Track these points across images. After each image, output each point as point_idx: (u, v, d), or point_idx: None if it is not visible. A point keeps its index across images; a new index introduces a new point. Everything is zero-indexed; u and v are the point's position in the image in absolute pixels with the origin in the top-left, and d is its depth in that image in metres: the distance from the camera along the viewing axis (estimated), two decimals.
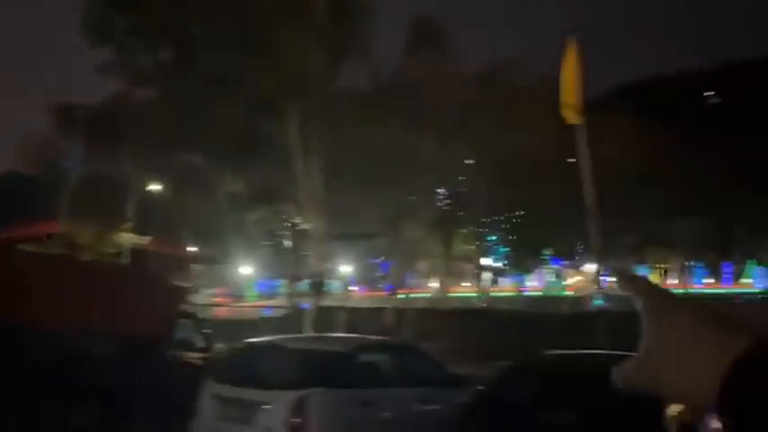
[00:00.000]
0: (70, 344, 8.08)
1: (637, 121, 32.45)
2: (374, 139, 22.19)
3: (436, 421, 6.38)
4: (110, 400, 8.11)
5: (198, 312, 21.22)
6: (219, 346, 12.59)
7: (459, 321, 25.58)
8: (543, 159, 22.77)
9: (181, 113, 22.66)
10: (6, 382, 7.10)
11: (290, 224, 28.65)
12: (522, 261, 48.49)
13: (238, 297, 42.23)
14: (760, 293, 42.66)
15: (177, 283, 16.51)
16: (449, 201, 31.17)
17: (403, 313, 25.32)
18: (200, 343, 11.61)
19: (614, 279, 0.73)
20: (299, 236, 27.60)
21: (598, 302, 44.05)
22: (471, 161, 26.53)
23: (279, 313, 30.13)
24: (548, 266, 56.52)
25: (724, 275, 56.34)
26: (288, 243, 33.61)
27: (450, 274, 51.28)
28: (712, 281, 60.09)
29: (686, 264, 54.00)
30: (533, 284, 60.52)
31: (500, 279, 53.34)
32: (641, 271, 58.56)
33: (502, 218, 36.13)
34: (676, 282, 57.22)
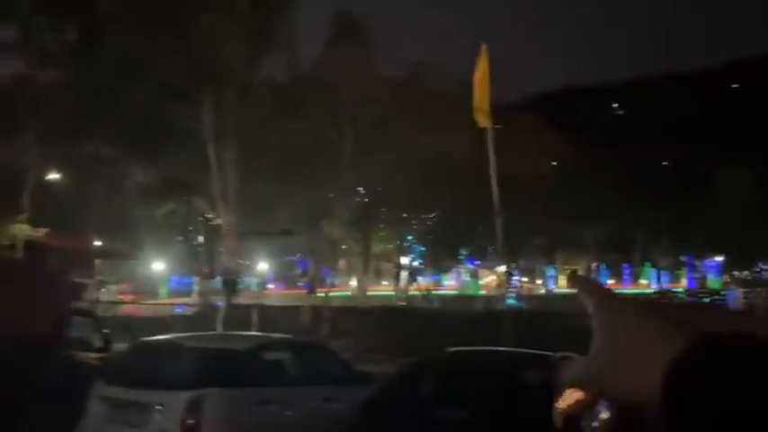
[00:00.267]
0: None
1: (549, 129, 33.96)
2: (292, 133, 21.84)
3: (340, 419, 6.32)
4: None
5: (99, 310, 20.10)
6: (120, 346, 11.94)
7: (375, 320, 25.68)
8: (459, 160, 23.26)
9: (87, 98, 21.36)
10: None
11: (202, 219, 27.69)
12: (438, 260, 49.49)
13: (150, 294, 40.38)
14: (654, 293, 45.82)
15: (75, 278, 15.55)
16: (368, 199, 31.25)
17: (319, 312, 25.15)
18: (99, 343, 10.96)
19: (567, 279, 0.74)
20: (212, 231, 26.72)
21: (510, 302, 45.78)
22: (390, 160, 26.69)
23: (191, 311, 29.11)
24: (464, 266, 58.06)
25: (624, 276, 60.06)
26: (202, 238, 32.53)
27: (370, 273, 51.59)
28: (613, 281, 64.08)
29: (592, 265, 57.04)
30: (450, 283, 62.02)
31: (419, 278, 54.24)
32: (550, 271, 61.40)
33: (419, 217, 36.66)
34: None
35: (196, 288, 37.10)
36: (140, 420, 6.10)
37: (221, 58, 20.15)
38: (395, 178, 25.98)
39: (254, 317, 21.40)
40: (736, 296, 36.25)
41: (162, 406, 5.91)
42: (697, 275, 60.18)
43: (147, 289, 39.74)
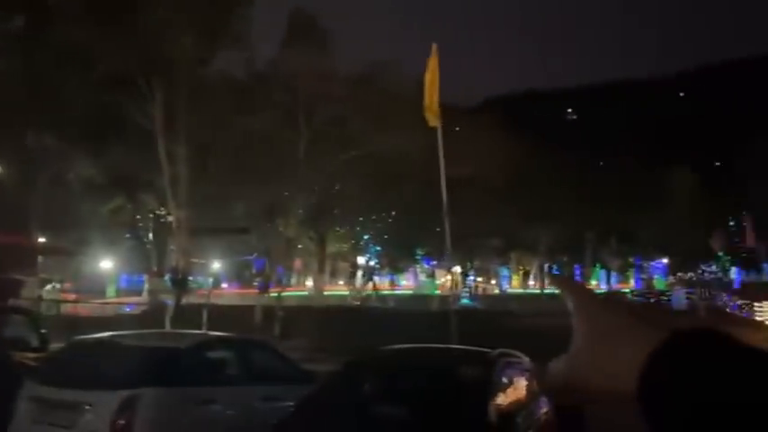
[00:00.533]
0: None
1: (504, 131, 34.51)
2: (248, 130, 21.47)
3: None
4: None
5: (42, 308, 19.32)
6: (58, 346, 11.50)
7: (328, 320, 25.55)
8: (415, 160, 23.36)
9: (31, 89, 20.49)
10: None
11: (152, 215, 26.93)
12: (395, 260, 49.67)
13: (98, 293, 39.09)
14: (601, 294, 46.97)
15: (15, 275, 14.94)
16: (323, 198, 31.05)
17: (272, 311, 24.85)
18: (36, 342, 10.53)
19: (550, 280, 0.74)
20: (162, 228, 26.03)
21: (465, 302, 46.19)
22: (346, 159, 26.57)
23: (139, 310, 28.33)
24: (420, 266, 58.46)
25: (575, 277, 61.52)
26: (152, 236, 31.64)
27: (326, 273, 51.30)
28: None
29: (544, 266, 58.21)
30: (407, 283, 62.36)
31: (375, 278, 54.31)
32: (503, 271, 62.42)
33: (376, 217, 36.69)
34: (533, 282, 61.81)
35: (146, 287, 36.17)
36: (69, 421, 5.87)
37: (172, 52, 19.61)
38: (350, 177, 25.92)
39: (204, 316, 20.99)
40: (680, 296, 37.54)
41: (90, 406, 5.70)
42: (644, 276, 62.24)
43: (94, 287, 38.47)
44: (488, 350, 6.13)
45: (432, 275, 55.82)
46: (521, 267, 64.65)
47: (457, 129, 27.07)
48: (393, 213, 35.39)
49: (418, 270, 59.95)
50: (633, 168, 54.85)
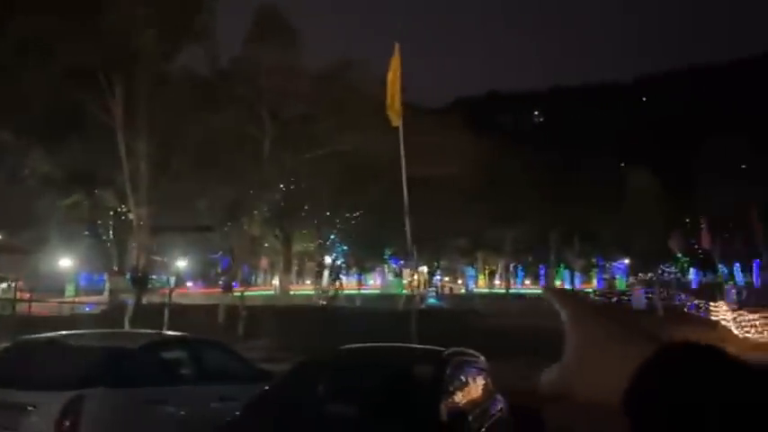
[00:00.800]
0: None
1: (471, 132, 34.76)
2: (212, 127, 21.10)
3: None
4: None
5: None
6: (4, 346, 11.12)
7: (292, 319, 25.38)
8: (381, 159, 23.30)
9: None
10: None
11: (112, 213, 26.28)
12: (362, 260, 49.59)
13: (56, 292, 37.99)
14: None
15: None
16: (289, 196, 30.79)
17: (236, 311, 24.55)
18: None
19: (544, 292, 0.77)
20: (123, 225, 25.44)
21: (431, 301, 46.36)
22: (311, 157, 26.37)
23: (99, 310, 27.65)
24: (388, 265, 58.53)
25: (540, 277, 62.49)
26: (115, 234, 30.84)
27: (292, 272, 50.87)
28: (529, 282, 66.59)
29: (509, 266, 58.91)
30: (374, 283, 62.38)
31: (344, 277, 54.17)
32: (470, 271, 62.96)
33: (342, 216, 36.55)
34: (498, 282, 62.54)
35: (107, 286, 35.29)
36: (13, 422, 5.67)
37: (133, 46, 19.16)
38: (316, 176, 25.76)
39: (165, 316, 20.59)
40: (639, 296, 38.39)
41: (34, 407, 5.52)
42: (606, 276, 63.56)
43: (53, 286, 37.38)
44: (442, 349, 6.15)
45: (399, 275, 55.94)
46: (486, 267, 65.31)
47: (424, 129, 27.17)
48: (360, 213, 35.29)
49: (386, 269, 60.05)
50: (596, 170, 55.96)
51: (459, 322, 28.79)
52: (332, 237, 38.15)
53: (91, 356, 6.10)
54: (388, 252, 53.19)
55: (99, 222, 27.43)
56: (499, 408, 6.97)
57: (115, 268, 26.67)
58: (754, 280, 53.85)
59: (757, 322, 24.11)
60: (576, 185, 50.20)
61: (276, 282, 43.52)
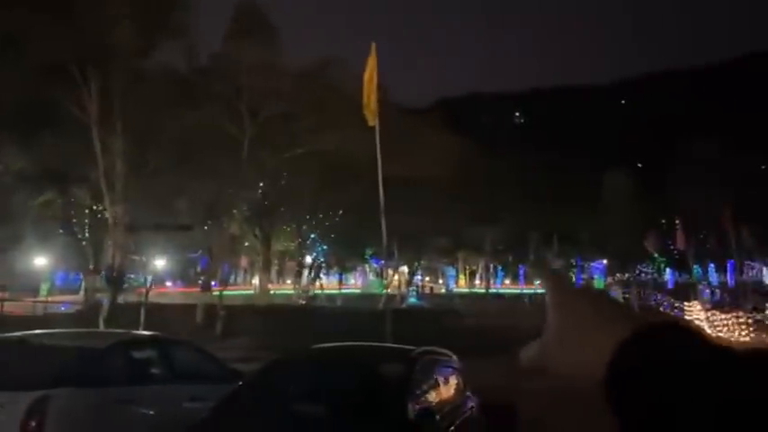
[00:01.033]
0: None
1: (452, 133, 34.89)
2: (188, 124, 20.88)
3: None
4: None
5: None
6: None
7: (272, 318, 25.31)
8: (361, 159, 23.29)
9: None
10: None
11: (88, 211, 25.88)
12: (343, 259, 49.51)
13: (31, 291, 37.35)
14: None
15: None
16: (269, 195, 30.63)
17: (214, 310, 24.40)
18: None
19: (533, 270, 0.76)
20: (99, 224, 25.08)
21: (412, 300, 46.39)
22: (291, 156, 26.24)
23: (74, 309, 27.28)
24: (369, 265, 58.53)
25: (520, 277, 63.05)
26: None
27: (273, 271, 50.58)
28: (508, 282, 67.13)
29: (490, 266, 59.25)
30: (355, 282, 62.35)
31: (325, 277, 54.05)
32: (450, 271, 63.25)
33: (322, 215, 36.44)
34: (479, 282, 62.94)
35: (83, 285, 34.76)
36: None
37: (108, 40, 18.86)
38: (296, 175, 25.66)
39: (142, 315, 20.41)
40: (616, 296, 38.88)
41: (0, 407, 5.45)
42: (585, 276, 64.30)
43: (28, 285, 36.75)
44: (412, 348, 6.19)
45: (380, 275, 55.95)
46: (467, 267, 65.64)
47: (405, 129, 27.24)
48: (340, 212, 35.24)
49: (367, 269, 60.04)
50: (575, 171, 56.54)
51: (438, 322, 28.95)
52: (312, 236, 38.04)
53: (58, 356, 6.03)
54: (368, 252, 53.15)
55: (74, 221, 27.01)
56: (470, 406, 7.03)
57: (91, 267, 26.30)
58: (729, 280, 54.90)
59: (729, 322, 24.59)
60: (555, 186, 50.68)
61: (256, 281, 43.26)
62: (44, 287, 37.66)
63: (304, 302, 36.83)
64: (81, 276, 37.93)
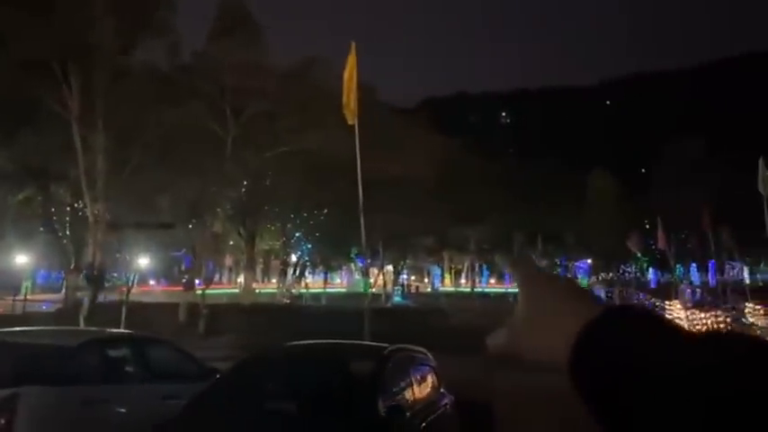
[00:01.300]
0: None
1: (438, 132, 35.02)
2: (171, 122, 20.71)
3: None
4: None
5: None
6: None
7: (256, 317, 25.24)
8: (344, 158, 23.28)
9: None
10: None
11: (69, 208, 25.60)
12: (328, 258, 49.40)
13: (11, 289, 36.88)
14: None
15: None
16: (252, 194, 30.49)
17: (197, 309, 24.26)
18: None
19: (500, 260, 0.77)
20: (80, 222, 24.81)
21: (397, 300, 46.43)
22: (275, 154, 26.15)
23: (55, 308, 26.99)
24: (354, 264, 58.50)
25: (505, 276, 63.32)
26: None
27: (258, 270, 50.37)
28: (494, 281, 67.46)
29: (475, 265, 59.47)
30: (341, 281, 62.32)
31: (310, 276, 53.92)
32: (436, 270, 63.39)
33: (306, 214, 36.35)
34: (464, 281, 63.21)
35: (65, 283, 34.38)
36: None
37: (90, 37, 18.67)
38: (279, 174, 25.59)
39: (123, 314, 20.22)
40: (600, 295, 39.14)
41: None
42: (569, 276, 64.77)
43: (8, 284, 36.29)
44: (385, 345, 6.22)
45: (365, 274, 55.74)
46: (453, 266, 65.84)
47: (391, 128, 27.29)
48: (325, 211, 35.18)
49: (353, 268, 60.01)
50: (561, 171, 56.94)
51: (423, 320, 29.03)
52: (297, 235, 37.94)
53: (27, 354, 5.98)
54: (354, 251, 53.12)
55: (55, 218, 26.70)
56: (444, 403, 7.06)
57: (72, 266, 26.02)
58: (710, 280, 55.60)
59: (708, 321, 24.92)
60: (540, 186, 51.02)
61: (241, 280, 43.08)
62: (25, 285, 37.22)
63: (288, 301, 36.75)
64: (63, 275, 37.54)
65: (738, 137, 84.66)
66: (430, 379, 6.98)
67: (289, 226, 36.21)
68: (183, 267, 43.85)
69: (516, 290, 0.70)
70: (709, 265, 54.73)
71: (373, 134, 20.13)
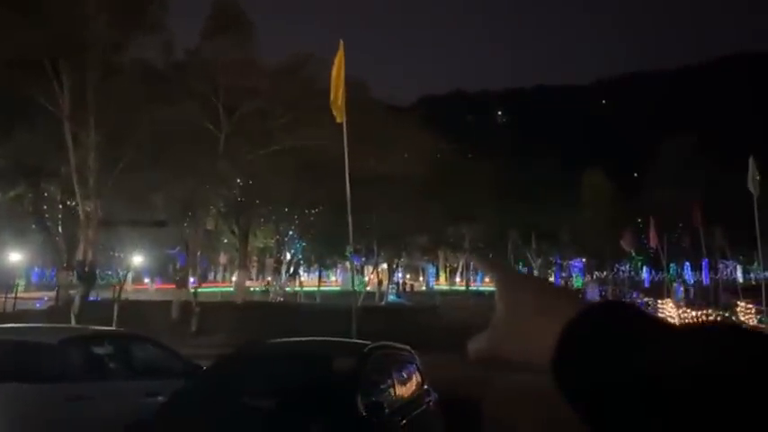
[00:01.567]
0: None
1: (433, 131, 34.99)
2: (164, 120, 20.64)
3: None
4: None
5: None
6: None
7: (249, 315, 25.24)
8: (337, 156, 23.24)
9: None
10: None
11: (61, 206, 25.51)
12: (323, 256, 49.36)
13: (5, 287, 36.73)
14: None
15: None
16: (245, 192, 30.45)
17: (190, 307, 24.25)
18: None
19: (475, 261, 0.79)
20: (72, 220, 24.74)
21: (392, 298, 46.46)
22: (268, 152, 26.11)
23: (47, 306, 26.95)
24: (349, 262, 58.42)
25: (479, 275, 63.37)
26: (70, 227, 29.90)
27: (252, 268, 50.33)
28: (488, 280, 67.47)
29: (470, 264, 59.49)
30: (335, 279, 62.25)
31: (305, 274, 53.90)
32: (430, 269, 63.43)
33: (301, 213, 36.33)
34: (459, 280, 63.24)
35: (58, 281, 34.27)
36: None
37: (81, 34, 18.59)
38: (273, 172, 25.54)
39: (115, 312, 20.20)
40: (593, 294, 39.33)
41: None
42: (564, 275, 64.92)
43: (1, 281, 36.17)
44: (366, 342, 6.24)
45: (360, 272, 55.87)
46: (447, 265, 65.91)
47: (387, 126, 27.27)
48: (318, 209, 35.15)
49: (348, 266, 59.92)
50: (555, 169, 57.04)
51: (416, 319, 29.09)
52: (290, 233, 37.90)
53: (8, 351, 5.98)
54: (349, 249, 53.09)
55: (47, 216, 26.61)
56: (428, 400, 7.08)
57: (64, 264, 25.96)
58: (704, 278, 55.80)
59: (699, 319, 25.06)
60: (535, 184, 51.11)
61: (235, 278, 43.01)
62: (19, 283, 37.11)
63: (282, 299, 36.75)
64: (56, 272, 37.41)
65: (730, 136, 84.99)
66: (413, 376, 6.99)
67: (282, 224, 36.16)
68: (177, 266, 43.76)
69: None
70: (703, 263, 54.92)
71: (367, 132, 20.12)
